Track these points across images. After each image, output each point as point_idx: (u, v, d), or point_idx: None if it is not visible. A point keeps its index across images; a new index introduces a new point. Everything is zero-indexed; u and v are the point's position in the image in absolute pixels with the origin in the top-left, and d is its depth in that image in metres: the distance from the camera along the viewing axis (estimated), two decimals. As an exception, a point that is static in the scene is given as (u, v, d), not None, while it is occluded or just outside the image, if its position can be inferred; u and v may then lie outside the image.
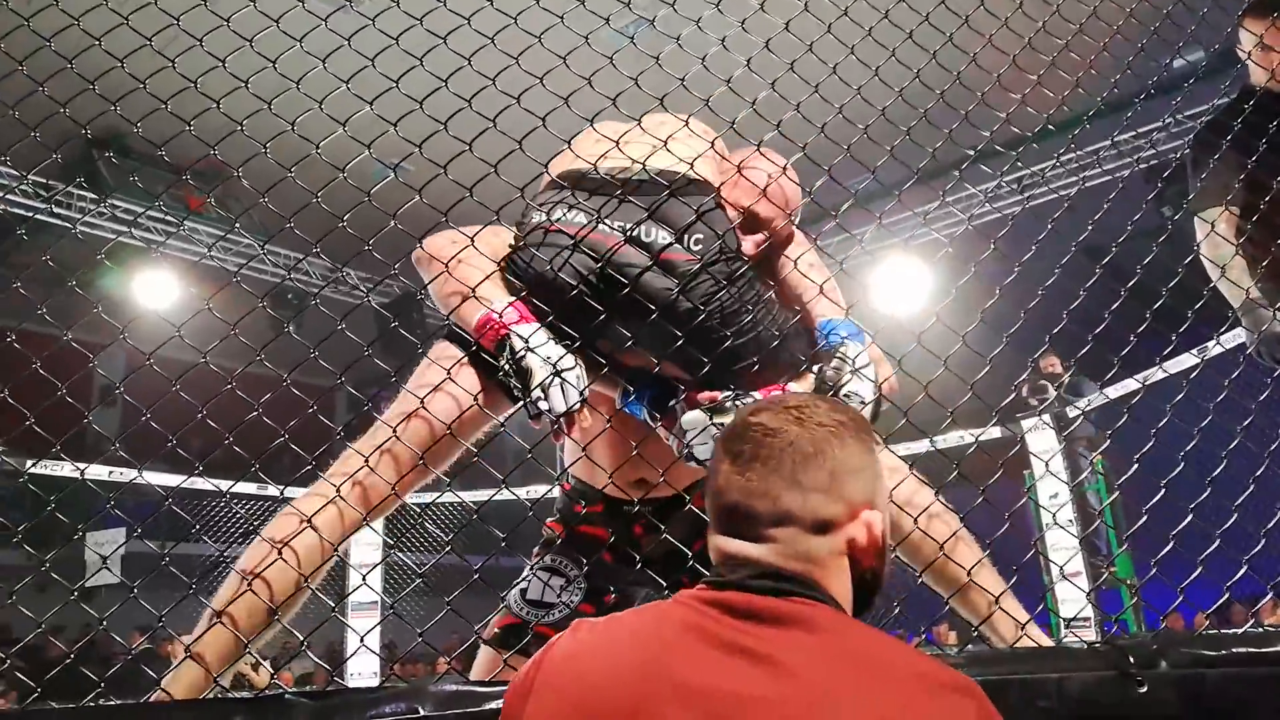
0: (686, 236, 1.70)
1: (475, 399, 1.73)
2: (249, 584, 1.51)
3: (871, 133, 1.87)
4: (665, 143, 1.77)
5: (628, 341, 1.69)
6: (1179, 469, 1.79)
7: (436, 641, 1.77)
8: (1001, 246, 1.93)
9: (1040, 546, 4.50)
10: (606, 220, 1.70)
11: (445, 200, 1.66)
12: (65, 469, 5.29)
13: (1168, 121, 6.86)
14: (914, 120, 1.88)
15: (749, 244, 1.86)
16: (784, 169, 1.89)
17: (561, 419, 1.64)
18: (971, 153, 2.00)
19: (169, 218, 7.59)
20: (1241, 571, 1.77)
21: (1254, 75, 2.56)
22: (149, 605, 1.51)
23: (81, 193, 7.06)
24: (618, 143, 1.77)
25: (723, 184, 1.87)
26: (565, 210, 1.74)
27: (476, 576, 1.59)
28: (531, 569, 2.21)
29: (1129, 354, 1.87)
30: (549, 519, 2.30)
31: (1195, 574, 1.69)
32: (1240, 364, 2.01)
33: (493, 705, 1.22)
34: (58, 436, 1.58)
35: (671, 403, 1.81)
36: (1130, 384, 4.68)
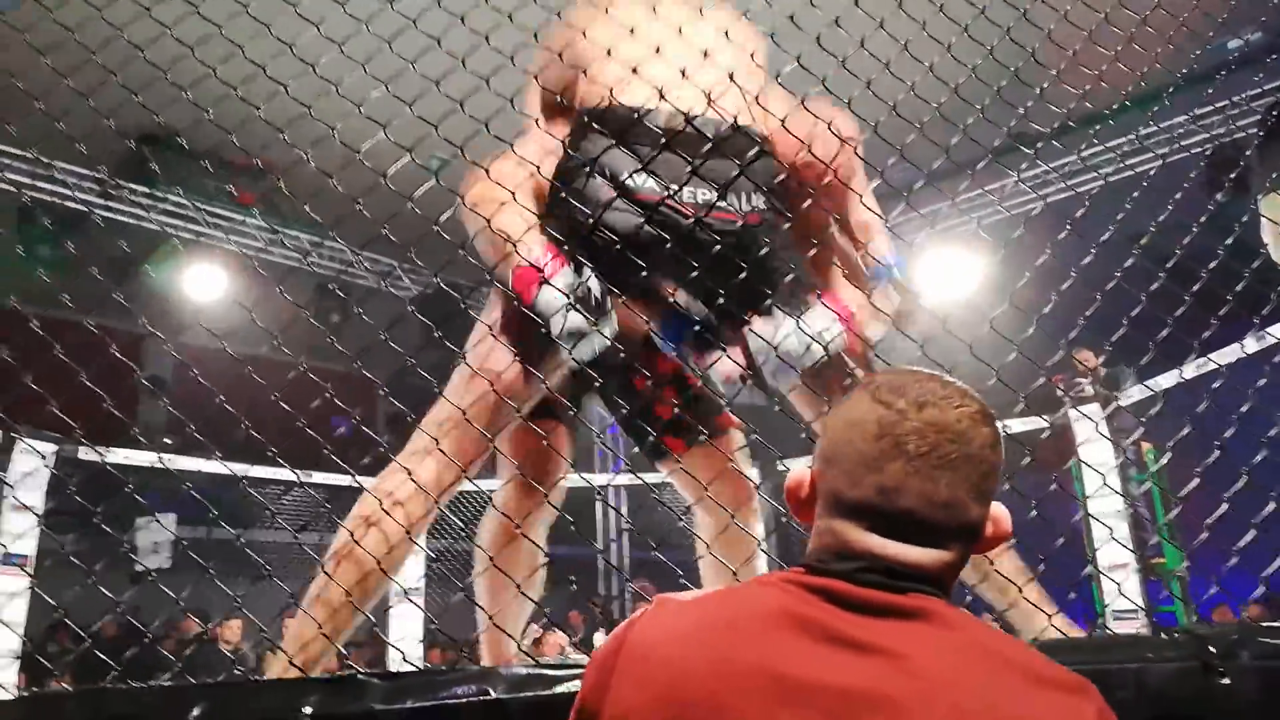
0: (731, 195, 1.74)
1: (521, 364, 1.79)
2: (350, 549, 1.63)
3: (921, 119, 1.86)
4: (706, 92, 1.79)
5: (667, 291, 1.78)
6: (1214, 456, 1.75)
7: (469, 629, 1.80)
8: (1047, 236, 1.91)
9: (1085, 538, 4.43)
10: (652, 174, 1.75)
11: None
12: (117, 456, 5.45)
13: (1223, 105, 6.65)
14: (957, 109, 1.86)
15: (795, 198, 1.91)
16: (829, 124, 1.89)
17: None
18: (1027, 138, 1.97)
19: (220, 212, 7.75)
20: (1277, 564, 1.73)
21: None
22: (196, 591, 1.57)
23: (134, 187, 7.22)
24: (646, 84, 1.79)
25: (772, 133, 1.89)
26: (604, 154, 1.77)
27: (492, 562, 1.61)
28: None
29: (1176, 344, 1.84)
30: None
31: (1231, 562, 1.66)
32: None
33: (564, 688, 1.23)
34: (107, 425, 1.63)
35: (705, 335, 1.89)
36: (1176, 375, 4.58)
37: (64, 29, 1.67)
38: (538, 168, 1.83)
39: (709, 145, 1.75)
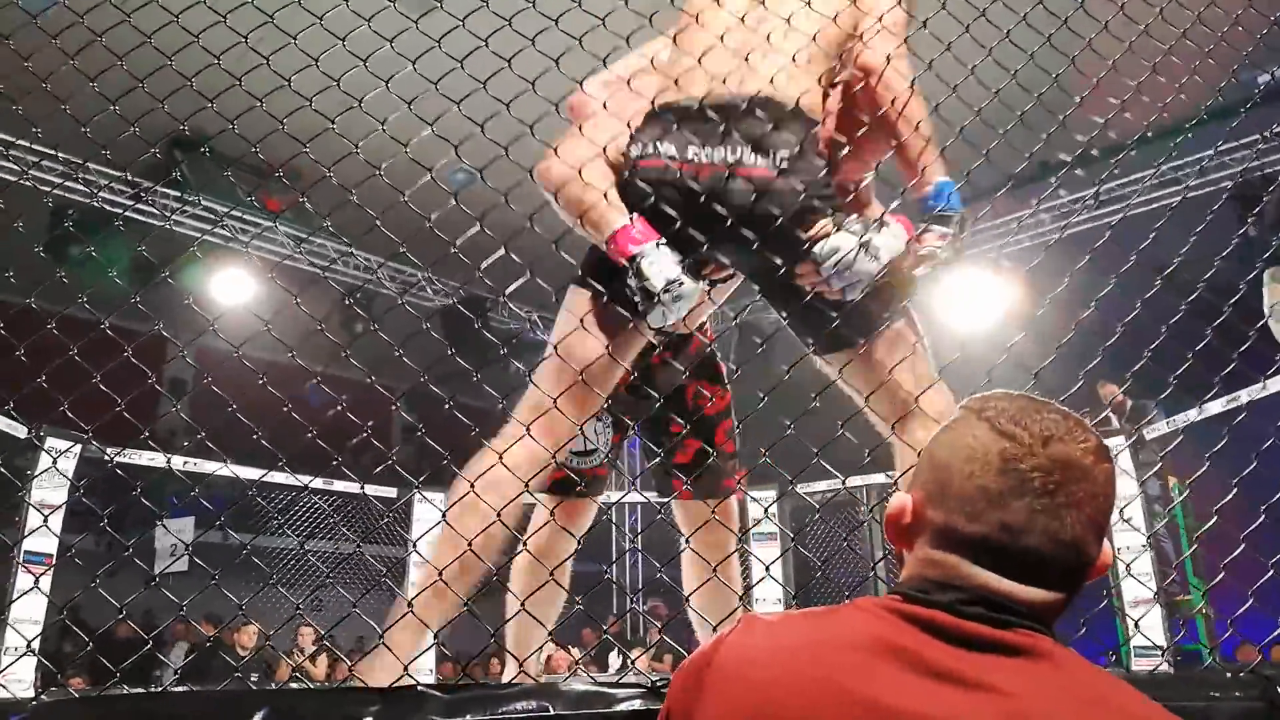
0: (773, 153, 1.80)
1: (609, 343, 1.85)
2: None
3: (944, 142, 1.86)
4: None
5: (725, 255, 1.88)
6: (1230, 496, 1.73)
7: (478, 644, 1.80)
8: (1069, 266, 1.89)
9: (1111, 573, 4.37)
10: (698, 149, 1.82)
11: (512, 204, 1.70)
12: (141, 459, 5.50)
13: (1251, 139, 6.60)
14: (980, 132, 1.86)
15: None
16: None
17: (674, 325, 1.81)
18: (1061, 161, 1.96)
19: (247, 217, 7.85)
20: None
21: None
22: (212, 594, 1.57)
23: (165, 190, 7.33)
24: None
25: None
26: (662, 143, 1.86)
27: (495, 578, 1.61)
28: None
29: (1197, 379, 1.82)
30: None
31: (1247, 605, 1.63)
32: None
33: (625, 706, 1.22)
34: (129, 427, 1.65)
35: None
36: (1207, 409, 4.51)
37: (93, 34, 1.70)
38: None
39: (743, 114, 1.82)
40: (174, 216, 7.41)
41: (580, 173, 1.82)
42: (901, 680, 0.78)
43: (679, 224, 1.79)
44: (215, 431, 1.75)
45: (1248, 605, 1.64)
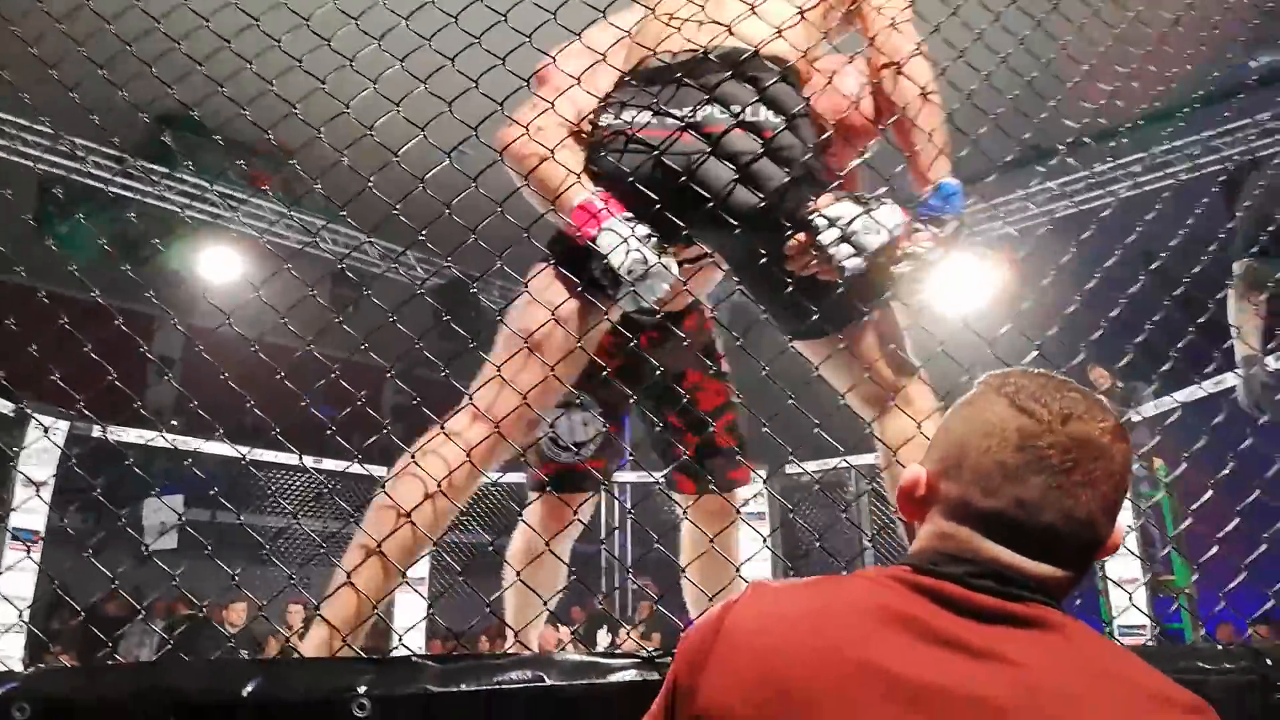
0: (747, 111, 1.66)
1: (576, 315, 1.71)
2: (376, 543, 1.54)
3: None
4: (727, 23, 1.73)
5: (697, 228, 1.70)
6: (1224, 472, 1.74)
7: (482, 621, 1.80)
8: (1061, 250, 1.89)
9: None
10: (665, 111, 1.68)
11: (501, 183, 1.68)
12: (128, 435, 5.47)
13: (1243, 124, 6.61)
14: (971, 117, 1.85)
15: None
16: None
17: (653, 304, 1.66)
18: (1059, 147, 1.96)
19: (235, 194, 7.79)
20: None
21: None
22: (197, 571, 1.57)
23: (151, 167, 7.26)
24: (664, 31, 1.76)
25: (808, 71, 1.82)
26: (625, 110, 1.74)
27: (490, 548, 1.60)
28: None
29: (1193, 359, 1.83)
30: None
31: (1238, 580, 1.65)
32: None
33: (618, 677, 1.22)
34: (115, 404, 1.64)
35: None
36: (1192, 391, 4.55)
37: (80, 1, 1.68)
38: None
39: (722, 73, 1.68)
40: (161, 192, 7.34)
41: (543, 146, 1.71)
42: (910, 648, 0.79)
43: (654, 197, 1.66)
44: (204, 408, 1.74)
45: (1238, 580, 1.65)
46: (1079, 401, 0.89)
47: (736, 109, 1.67)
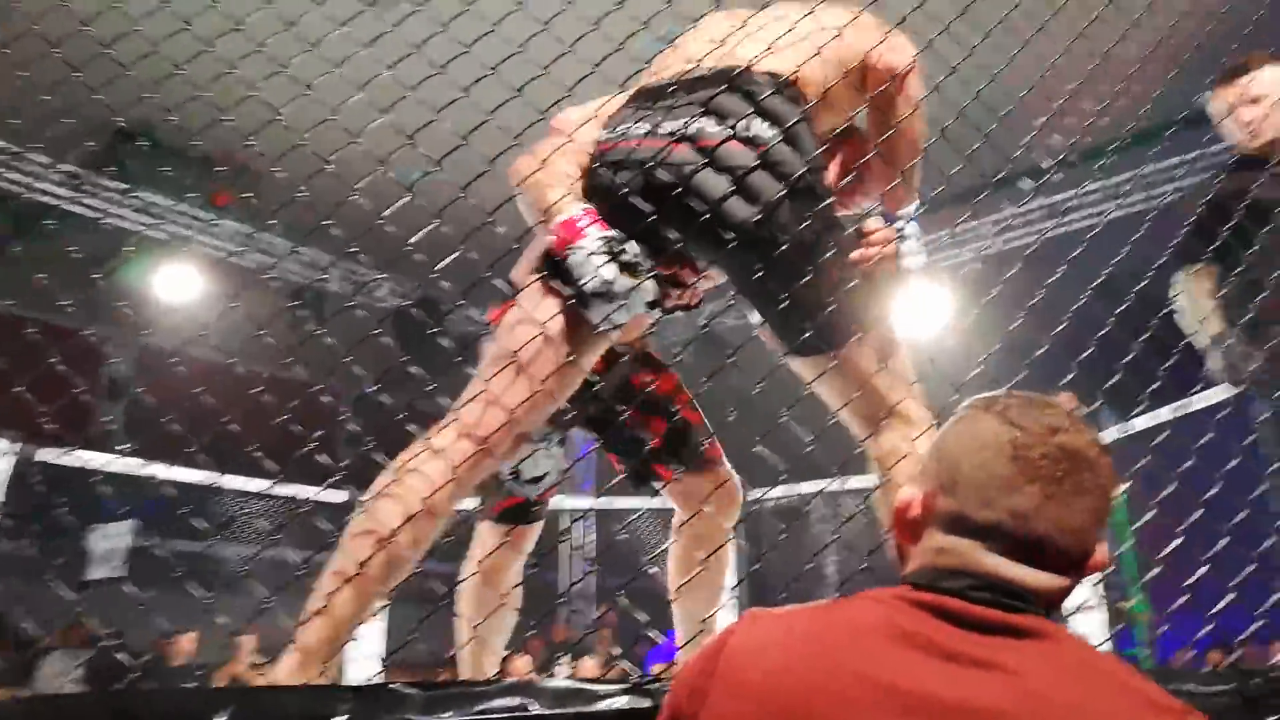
0: (739, 125, 1.65)
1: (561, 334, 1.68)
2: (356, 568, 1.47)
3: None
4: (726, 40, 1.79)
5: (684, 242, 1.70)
6: (1164, 492, 1.76)
7: (438, 649, 1.75)
8: (1022, 276, 1.92)
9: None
10: (663, 125, 1.69)
11: (465, 205, 1.65)
12: (73, 459, 5.33)
13: (1194, 156, 6.79)
14: (943, 142, 1.87)
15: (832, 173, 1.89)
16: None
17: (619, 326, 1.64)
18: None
19: (195, 212, 7.66)
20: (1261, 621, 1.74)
21: (1235, 140, 2.64)
22: (149, 603, 1.50)
23: (106, 184, 7.12)
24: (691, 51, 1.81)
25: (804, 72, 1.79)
26: (620, 125, 1.75)
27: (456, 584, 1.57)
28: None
29: (1152, 388, 1.85)
30: None
31: (1215, 615, 1.66)
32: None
33: (607, 704, 1.20)
34: (65, 427, 1.58)
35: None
36: (1154, 417, 4.63)
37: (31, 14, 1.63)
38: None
39: (718, 88, 1.70)
40: (117, 210, 7.20)
41: (548, 169, 1.70)
42: (915, 663, 0.80)
43: (647, 208, 1.64)
44: (158, 434, 1.68)
45: (1193, 609, 1.66)
46: (1063, 417, 0.93)
47: (731, 122, 1.66)
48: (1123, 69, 2.08)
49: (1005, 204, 6.72)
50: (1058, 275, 1.91)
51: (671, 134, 1.67)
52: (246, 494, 7.24)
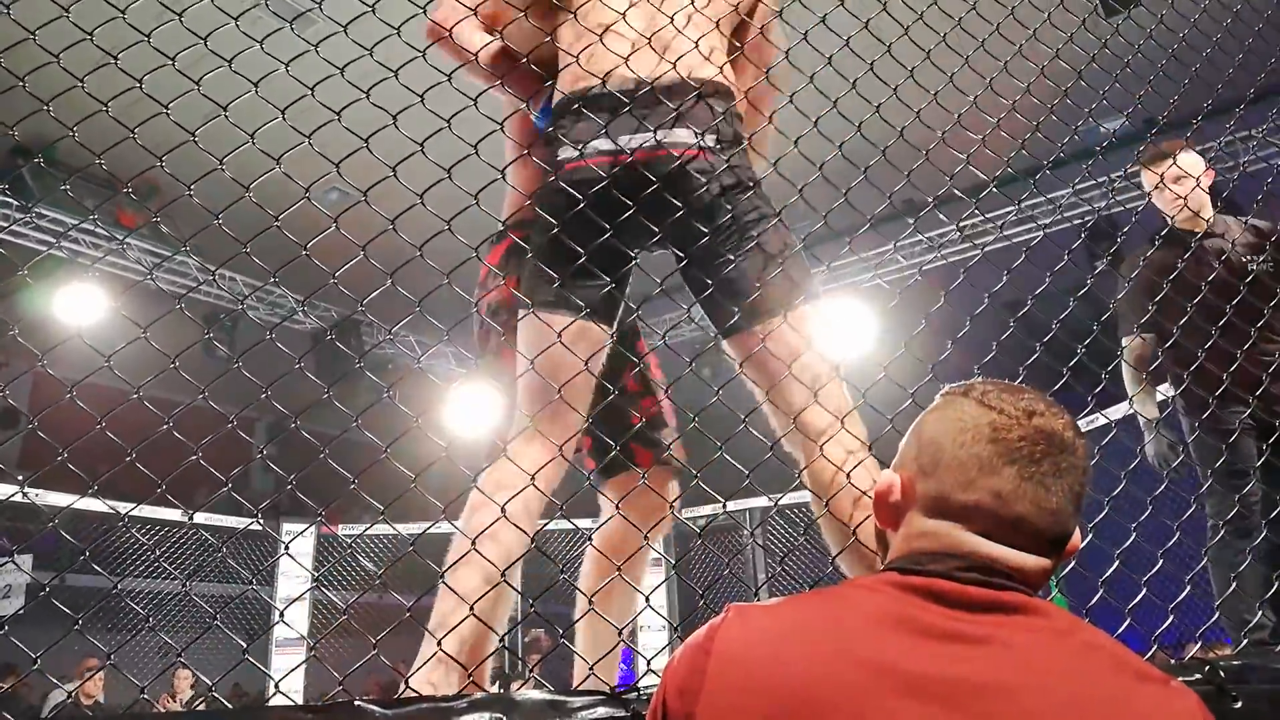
0: (717, 131, 1.85)
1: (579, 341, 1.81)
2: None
3: (818, 179, 1.90)
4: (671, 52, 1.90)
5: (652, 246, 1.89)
6: (1101, 515, 1.83)
7: (356, 684, 1.69)
8: (934, 299, 1.97)
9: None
10: (631, 136, 1.82)
11: (374, 224, 1.62)
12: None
13: (1101, 181, 7.11)
14: (856, 169, 1.91)
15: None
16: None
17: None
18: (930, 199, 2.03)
19: (99, 231, 7.36)
20: (1168, 621, 1.81)
21: (1164, 208, 3.14)
22: (48, 640, 1.42)
23: (4, 200, 6.80)
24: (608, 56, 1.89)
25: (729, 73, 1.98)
26: (586, 139, 1.85)
27: (408, 614, 1.53)
28: None
29: (1067, 402, 1.91)
30: None
31: (1125, 624, 1.72)
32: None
33: (586, 715, 1.17)
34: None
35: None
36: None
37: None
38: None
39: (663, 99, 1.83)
40: (13, 228, 6.88)
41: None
42: (912, 645, 0.81)
43: (629, 203, 1.77)
44: (54, 464, 1.59)
45: (1125, 626, 1.72)
46: (1039, 401, 0.95)
47: (698, 130, 1.83)
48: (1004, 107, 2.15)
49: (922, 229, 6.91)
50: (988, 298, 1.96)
51: (657, 141, 1.82)
52: (144, 521, 6.94)
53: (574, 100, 1.88)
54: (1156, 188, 3.10)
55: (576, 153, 1.82)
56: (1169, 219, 3.07)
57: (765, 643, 0.85)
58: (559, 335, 1.77)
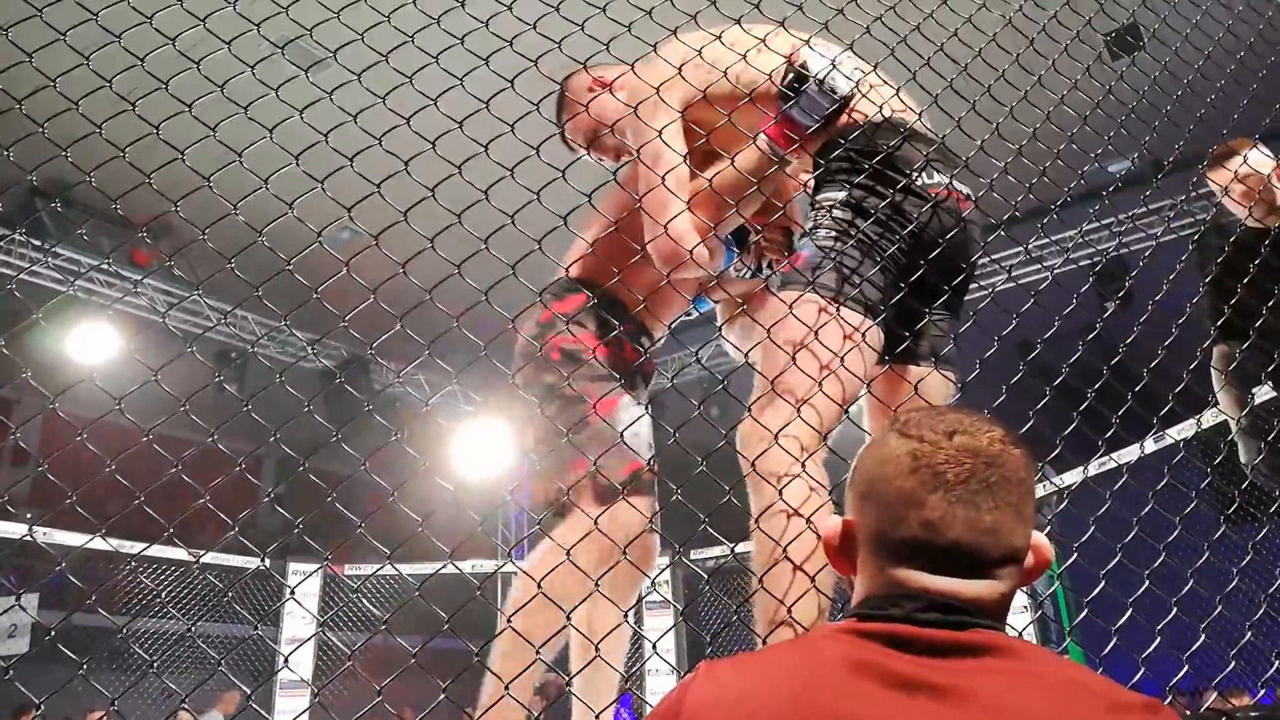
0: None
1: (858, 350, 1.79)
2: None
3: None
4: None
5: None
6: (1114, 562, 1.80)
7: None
8: (954, 340, 1.98)
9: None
10: (941, 177, 1.92)
11: (386, 265, 1.64)
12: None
13: (1108, 222, 7.13)
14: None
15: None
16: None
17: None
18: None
19: (115, 271, 7.44)
20: (1184, 671, 1.77)
21: (1234, 208, 2.95)
22: (54, 681, 1.41)
23: (23, 239, 6.89)
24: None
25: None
26: (923, 172, 1.91)
27: (413, 660, 1.51)
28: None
29: (1078, 444, 1.90)
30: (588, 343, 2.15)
31: (1139, 674, 1.68)
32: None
33: None
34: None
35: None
36: (1075, 475, 4.75)
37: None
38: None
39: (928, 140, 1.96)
40: (34, 268, 6.96)
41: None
42: (877, 695, 0.80)
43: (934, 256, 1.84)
44: (65, 503, 1.59)
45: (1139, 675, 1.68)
46: (962, 420, 0.93)
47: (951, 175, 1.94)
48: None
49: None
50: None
51: (949, 183, 1.92)
52: (155, 560, 6.92)
53: (897, 127, 1.92)
54: (1227, 188, 2.88)
55: (935, 180, 1.89)
56: (1240, 219, 2.89)
57: (735, 698, 0.84)
58: (863, 336, 1.78)
